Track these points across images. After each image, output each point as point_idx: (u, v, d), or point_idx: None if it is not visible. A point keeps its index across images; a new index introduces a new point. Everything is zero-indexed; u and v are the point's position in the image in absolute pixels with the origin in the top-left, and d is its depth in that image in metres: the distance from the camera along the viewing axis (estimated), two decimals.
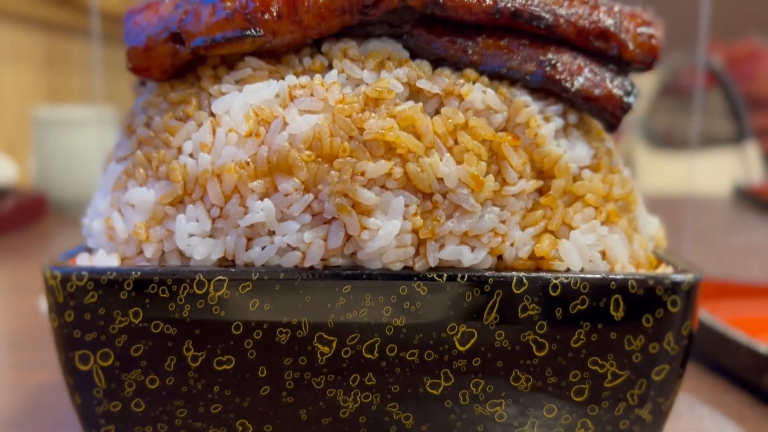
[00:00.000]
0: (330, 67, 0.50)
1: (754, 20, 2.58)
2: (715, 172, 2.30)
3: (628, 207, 0.50)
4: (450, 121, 0.46)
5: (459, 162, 0.45)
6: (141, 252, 0.47)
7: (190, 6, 0.50)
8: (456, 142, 0.46)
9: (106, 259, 0.47)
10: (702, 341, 0.73)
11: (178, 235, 0.45)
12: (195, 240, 0.45)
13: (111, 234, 0.48)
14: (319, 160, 0.45)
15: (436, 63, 0.50)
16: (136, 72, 0.50)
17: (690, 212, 1.61)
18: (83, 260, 0.48)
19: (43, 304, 0.91)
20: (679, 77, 2.51)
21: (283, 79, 0.49)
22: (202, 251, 0.45)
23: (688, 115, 2.55)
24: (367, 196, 0.44)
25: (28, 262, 1.22)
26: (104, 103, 1.62)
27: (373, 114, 0.46)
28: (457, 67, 0.50)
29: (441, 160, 0.45)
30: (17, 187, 1.51)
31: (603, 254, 0.47)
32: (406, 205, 0.44)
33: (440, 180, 0.45)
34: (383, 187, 0.45)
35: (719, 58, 2.46)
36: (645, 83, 2.52)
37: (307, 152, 0.45)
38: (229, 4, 0.49)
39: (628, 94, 0.49)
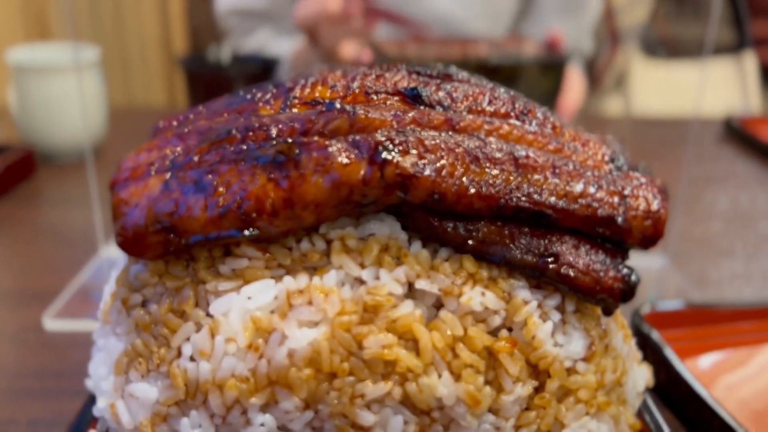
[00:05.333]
0: (327, 250, 0.49)
1: None
2: (712, 84, 2.25)
3: (618, 382, 0.51)
4: (449, 333, 0.46)
5: (457, 376, 0.46)
6: None
7: (179, 191, 0.48)
8: (455, 355, 0.46)
9: None
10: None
11: None
12: None
13: (117, 420, 0.49)
14: (319, 376, 0.46)
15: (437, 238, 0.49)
16: (128, 253, 0.49)
17: (690, 152, 1.61)
18: None
19: (48, 322, 0.93)
20: None
21: (280, 266, 0.48)
22: None
23: (690, 20, 2.45)
24: (367, 418, 0.45)
25: (24, 238, 1.22)
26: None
27: (372, 327, 0.46)
28: (457, 250, 0.49)
29: (440, 378, 0.46)
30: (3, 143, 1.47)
31: None
32: (405, 422, 0.46)
33: (438, 398, 0.46)
34: (382, 403, 0.46)
35: None
36: None
37: (307, 370, 0.45)
38: (221, 199, 0.47)
39: (628, 285, 0.49)
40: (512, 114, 0.56)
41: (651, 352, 0.83)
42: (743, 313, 0.93)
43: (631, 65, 2.27)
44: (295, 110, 0.55)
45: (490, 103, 0.56)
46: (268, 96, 0.57)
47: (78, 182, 1.48)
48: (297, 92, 0.56)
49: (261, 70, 1.67)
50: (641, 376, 0.56)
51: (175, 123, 0.59)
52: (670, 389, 0.79)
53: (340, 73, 0.59)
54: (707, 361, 0.87)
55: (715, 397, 0.77)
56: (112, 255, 1.10)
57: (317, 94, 0.57)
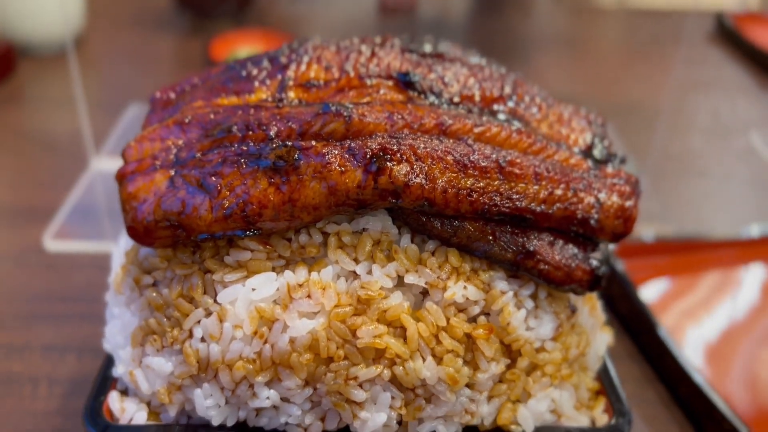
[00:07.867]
0: (324, 242, 0.53)
1: None
2: None
3: (581, 352, 0.58)
4: (433, 323, 0.51)
5: (439, 360, 0.52)
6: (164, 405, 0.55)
7: (185, 190, 0.51)
8: (438, 342, 0.52)
9: (136, 410, 0.55)
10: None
11: (197, 406, 0.53)
12: (212, 411, 0.53)
13: (136, 385, 0.55)
14: (318, 360, 0.51)
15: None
16: (139, 243, 0.53)
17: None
18: (114, 403, 0.56)
19: (48, 242, 0.97)
20: None
21: (280, 257, 0.52)
22: (219, 418, 0.53)
23: None
24: (360, 396, 0.51)
25: (12, 147, 1.23)
26: None
27: (365, 318, 0.51)
28: (443, 243, 0.53)
29: (424, 363, 0.51)
30: None
31: (553, 410, 0.56)
32: (392, 398, 0.52)
33: (422, 379, 0.52)
34: (372, 382, 0.52)
35: None
36: None
37: (307, 355, 0.51)
38: (225, 201, 0.50)
39: (596, 277, 0.54)
40: (501, 97, 0.58)
41: (617, 284, 0.90)
42: (709, 245, 1.00)
43: None
44: (291, 93, 0.57)
45: (480, 86, 0.58)
46: (263, 75, 0.59)
47: (61, 77, 1.46)
48: (292, 72, 0.58)
49: None
50: (603, 341, 0.62)
51: (172, 95, 0.61)
52: (632, 320, 0.87)
53: (333, 49, 0.60)
54: (668, 290, 0.94)
55: (669, 327, 0.85)
56: (103, 168, 1.13)
57: (312, 74, 0.58)
